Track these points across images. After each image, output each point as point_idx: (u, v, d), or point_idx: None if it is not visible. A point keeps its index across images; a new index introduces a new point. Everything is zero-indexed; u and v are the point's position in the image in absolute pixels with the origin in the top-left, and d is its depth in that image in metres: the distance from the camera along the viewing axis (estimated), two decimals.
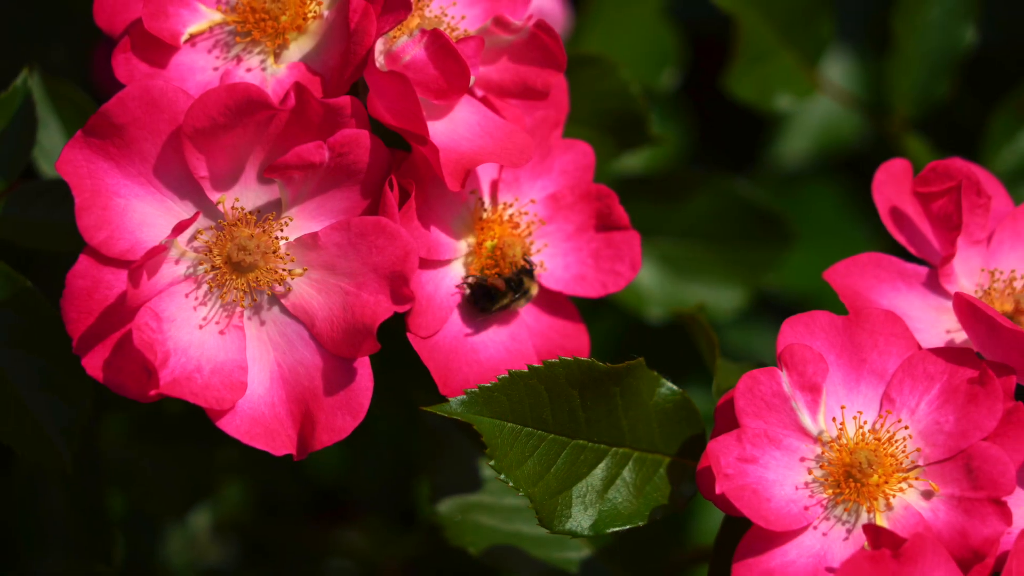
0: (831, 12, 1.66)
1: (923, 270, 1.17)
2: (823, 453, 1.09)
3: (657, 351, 1.76)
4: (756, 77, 1.65)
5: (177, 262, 1.10)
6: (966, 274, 1.18)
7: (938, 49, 1.67)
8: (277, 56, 1.14)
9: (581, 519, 1.12)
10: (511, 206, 1.19)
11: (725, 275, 1.64)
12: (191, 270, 1.11)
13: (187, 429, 1.61)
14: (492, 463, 1.11)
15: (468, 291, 1.16)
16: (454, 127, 1.13)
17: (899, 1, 1.66)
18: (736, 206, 1.64)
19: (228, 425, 1.09)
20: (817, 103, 1.97)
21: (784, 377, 1.09)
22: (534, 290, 1.17)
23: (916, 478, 1.08)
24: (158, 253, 1.08)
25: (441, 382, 1.14)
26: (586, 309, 1.24)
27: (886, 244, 1.47)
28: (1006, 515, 1.05)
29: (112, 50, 1.12)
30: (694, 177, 1.64)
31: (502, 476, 1.11)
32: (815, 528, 1.08)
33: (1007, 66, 2.05)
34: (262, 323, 1.11)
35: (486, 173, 1.18)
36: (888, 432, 1.09)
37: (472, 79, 1.12)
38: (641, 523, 1.13)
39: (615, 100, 1.43)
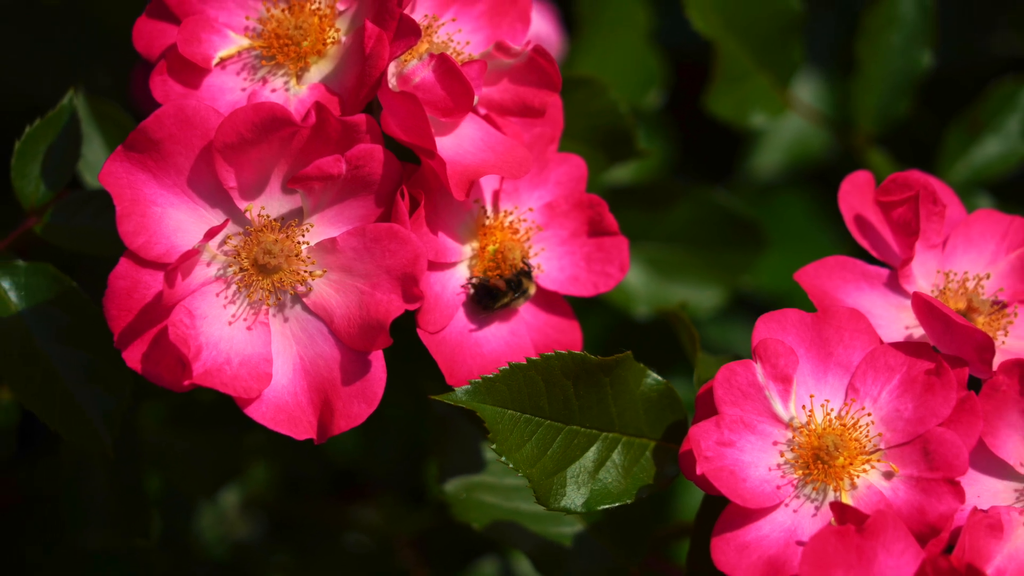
0: (801, 38, 1.66)
1: (884, 272, 1.17)
2: (794, 437, 1.09)
3: (644, 345, 1.75)
4: (733, 97, 1.65)
5: (208, 264, 1.10)
6: (923, 275, 1.18)
7: (898, 71, 1.67)
8: (299, 78, 1.14)
9: (574, 497, 1.12)
10: (511, 214, 1.18)
11: (705, 276, 1.64)
12: (221, 272, 1.11)
13: (218, 416, 1.60)
14: (494, 447, 1.11)
15: (472, 291, 1.16)
16: (459, 142, 1.13)
17: (863, 28, 1.66)
18: (715, 214, 1.63)
19: (255, 412, 1.09)
20: (789, 120, 1.96)
21: (758, 369, 1.09)
22: (532, 290, 1.17)
23: (878, 460, 1.08)
24: (191, 256, 1.08)
25: (447, 373, 1.14)
26: (579, 307, 1.24)
27: (851, 248, 1.46)
28: (959, 494, 1.05)
29: (150, 73, 1.12)
30: (677, 187, 1.64)
31: (503, 458, 1.11)
32: (786, 505, 1.08)
33: (961, 86, 2.05)
34: (285, 320, 1.11)
35: (488, 184, 1.18)
36: (853, 418, 1.09)
37: (476, 99, 1.12)
38: (629, 501, 1.13)
39: (605, 118, 1.42)
